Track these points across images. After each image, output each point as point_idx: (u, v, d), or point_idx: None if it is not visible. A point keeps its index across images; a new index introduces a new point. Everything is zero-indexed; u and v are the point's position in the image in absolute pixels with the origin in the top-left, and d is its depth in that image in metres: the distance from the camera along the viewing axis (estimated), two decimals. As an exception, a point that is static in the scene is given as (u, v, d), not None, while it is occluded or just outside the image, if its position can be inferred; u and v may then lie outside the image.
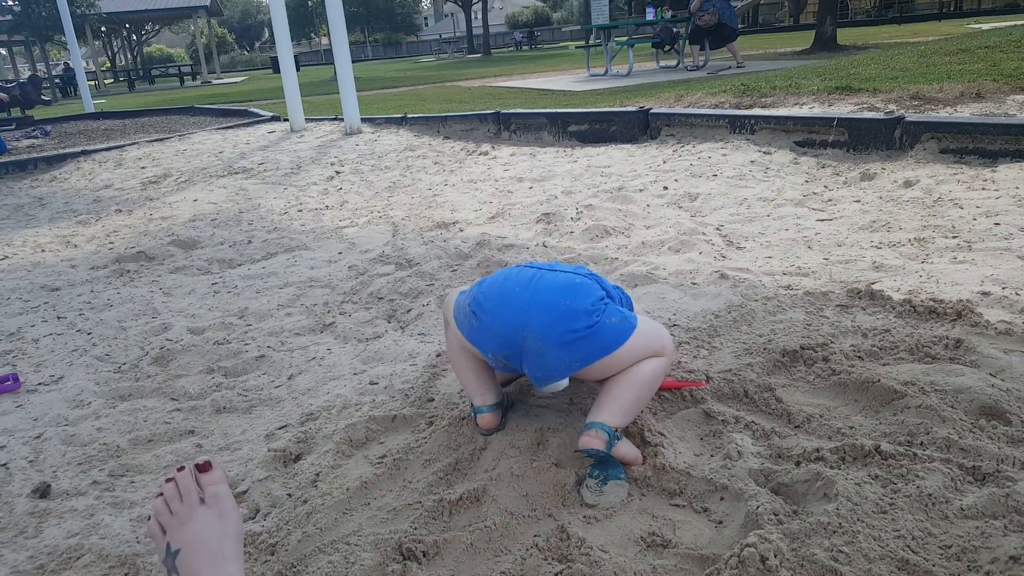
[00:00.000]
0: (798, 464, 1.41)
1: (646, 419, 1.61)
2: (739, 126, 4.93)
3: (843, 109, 4.83)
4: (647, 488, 1.42)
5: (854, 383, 1.70)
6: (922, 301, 2.11)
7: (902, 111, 4.48)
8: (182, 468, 1.11)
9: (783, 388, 1.74)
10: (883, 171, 3.82)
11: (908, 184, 3.53)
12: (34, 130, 11.17)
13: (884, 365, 1.78)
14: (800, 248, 2.84)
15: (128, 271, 3.50)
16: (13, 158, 7.87)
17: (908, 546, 1.15)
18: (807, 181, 3.88)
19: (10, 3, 28.43)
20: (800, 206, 3.43)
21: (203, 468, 1.09)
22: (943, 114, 4.35)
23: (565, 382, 1.59)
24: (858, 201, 3.40)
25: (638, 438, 1.54)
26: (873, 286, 2.30)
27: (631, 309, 1.71)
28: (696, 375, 1.81)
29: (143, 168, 6.88)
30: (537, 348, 1.47)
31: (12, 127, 8.91)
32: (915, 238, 2.78)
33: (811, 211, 3.34)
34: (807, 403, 1.68)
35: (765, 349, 1.92)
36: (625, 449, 1.47)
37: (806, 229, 3.07)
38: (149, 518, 1.11)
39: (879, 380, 1.65)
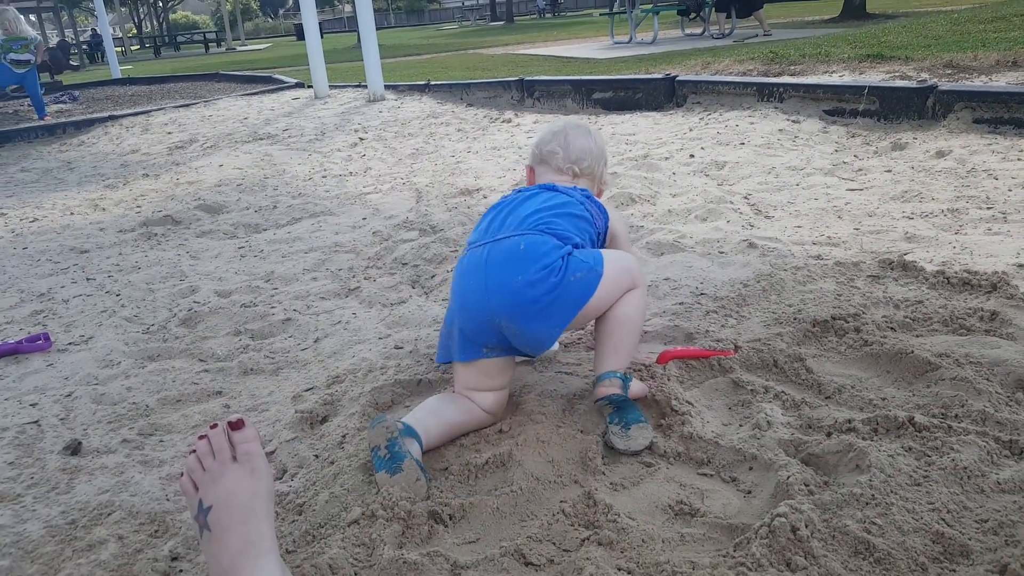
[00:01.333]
0: (829, 435, 1.39)
1: (673, 388, 1.59)
2: (767, 94, 4.83)
3: (874, 78, 4.71)
4: (675, 457, 1.40)
5: (886, 354, 1.67)
6: (956, 272, 2.06)
7: (935, 80, 4.37)
8: (215, 425, 1.11)
9: (813, 358, 1.72)
10: (915, 141, 3.73)
11: (941, 154, 3.44)
12: (63, 95, 11.24)
13: (917, 336, 1.74)
14: (830, 218, 2.79)
15: (155, 235, 3.52)
16: (42, 123, 7.93)
17: (943, 519, 1.13)
18: (837, 150, 3.80)
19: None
20: (830, 175, 3.36)
21: (236, 426, 1.10)
22: (977, 83, 4.24)
23: (557, 345, 1.67)
24: (889, 171, 3.33)
25: (666, 406, 1.53)
26: (905, 257, 2.26)
27: (605, 219, 1.70)
28: (724, 344, 1.79)
29: (169, 133, 6.90)
30: (514, 328, 1.46)
31: (42, 92, 8.99)
32: (948, 209, 2.72)
33: (841, 180, 3.27)
34: (838, 374, 1.65)
35: (795, 319, 1.89)
36: (637, 387, 1.56)
37: (836, 199, 3.01)
38: (182, 475, 1.12)
39: (912, 351, 1.62)
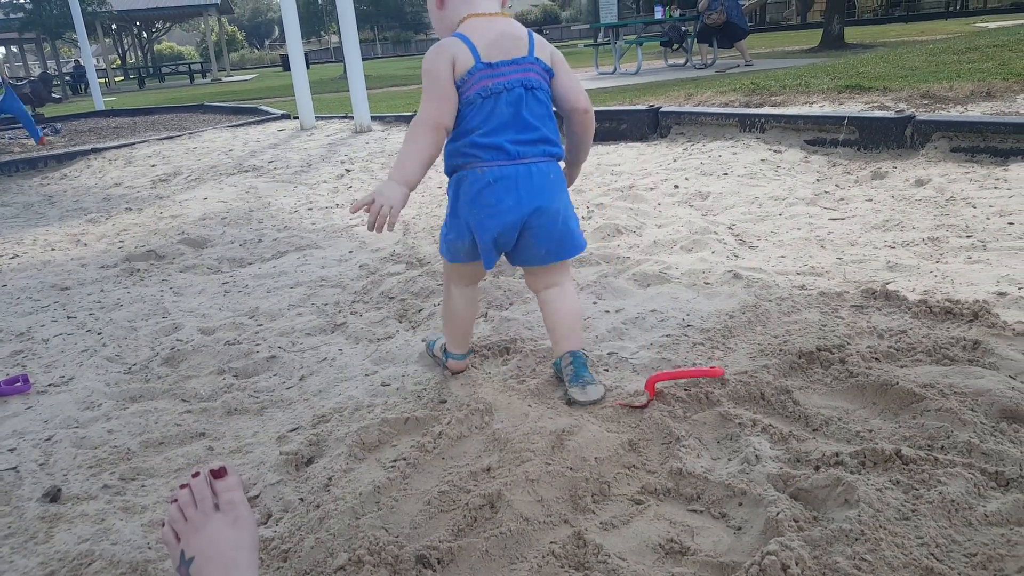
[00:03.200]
0: (817, 469, 1.39)
1: (664, 420, 1.59)
2: (749, 125, 4.90)
3: (853, 108, 4.79)
4: (664, 494, 1.40)
5: (872, 385, 1.68)
6: (938, 302, 2.08)
7: (912, 110, 4.45)
8: (197, 474, 1.10)
9: (800, 390, 1.72)
10: (894, 170, 3.79)
11: (920, 183, 3.49)
12: (45, 127, 11.20)
13: (902, 367, 1.76)
14: (813, 247, 2.81)
15: (138, 270, 3.50)
16: (23, 156, 7.89)
17: (932, 554, 1.13)
18: (818, 180, 3.85)
19: (22, 1, 28.59)
20: (812, 205, 3.40)
21: (218, 474, 1.08)
22: (954, 113, 4.32)
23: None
24: (870, 200, 3.38)
25: (657, 442, 1.53)
26: (888, 286, 2.28)
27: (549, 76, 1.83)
28: (710, 379, 1.79)
29: (153, 166, 6.89)
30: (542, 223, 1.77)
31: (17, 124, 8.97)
32: (929, 237, 2.76)
33: (823, 210, 3.31)
34: (825, 406, 1.66)
35: (781, 350, 1.90)
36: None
37: (819, 228, 3.04)
38: (163, 524, 1.10)
39: (897, 382, 1.63)
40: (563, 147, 1.86)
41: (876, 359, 1.82)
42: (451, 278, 1.96)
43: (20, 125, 9.09)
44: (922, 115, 4.13)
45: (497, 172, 1.71)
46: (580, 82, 1.85)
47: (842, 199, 3.45)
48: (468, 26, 1.74)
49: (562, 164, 1.90)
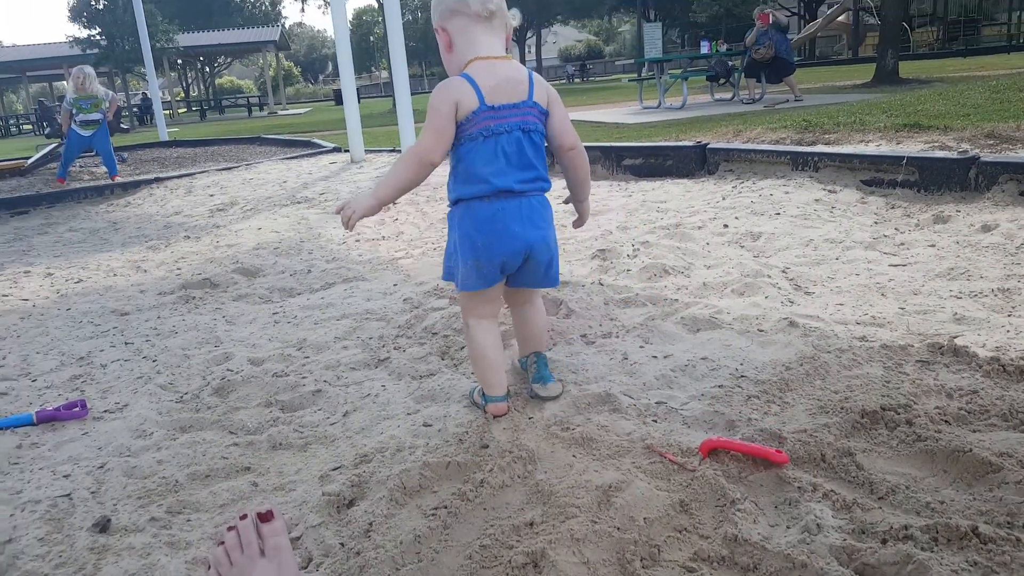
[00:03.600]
0: (884, 542, 1.31)
1: (718, 480, 1.52)
2: (802, 163, 4.80)
3: (912, 147, 4.67)
4: (719, 562, 1.33)
5: (942, 451, 1.58)
6: (1012, 359, 1.97)
7: (976, 150, 4.30)
8: (244, 516, 1.08)
9: (864, 453, 1.63)
10: (958, 214, 3.66)
11: (987, 228, 3.36)
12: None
13: (975, 432, 1.66)
14: (873, 295, 2.71)
15: (193, 298, 3.56)
16: (91, 184, 8.18)
17: (1013, 645, 1.04)
18: (876, 222, 3.74)
19: (97, 38, 30.00)
20: (870, 249, 3.30)
21: (265, 518, 1.07)
22: (1022, 154, 4.16)
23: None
24: (933, 245, 3.26)
25: (710, 503, 1.46)
26: (956, 340, 2.17)
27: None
28: (768, 435, 1.72)
29: (211, 196, 7.07)
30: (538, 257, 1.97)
31: (93, 153, 9.27)
32: (999, 288, 2.63)
33: (883, 255, 3.20)
34: (891, 471, 1.57)
35: (842, 408, 1.81)
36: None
37: (878, 275, 2.94)
38: (208, 567, 1.08)
39: (971, 449, 1.54)
40: (550, 182, 2.01)
41: (946, 421, 1.72)
42: (469, 313, 2.05)
43: (93, 154, 9.40)
44: (987, 156, 4.00)
45: (504, 203, 1.88)
46: (569, 121, 2.01)
47: (902, 244, 3.34)
48: (474, 68, 1.88)
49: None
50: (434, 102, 1.87)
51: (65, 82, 8.60)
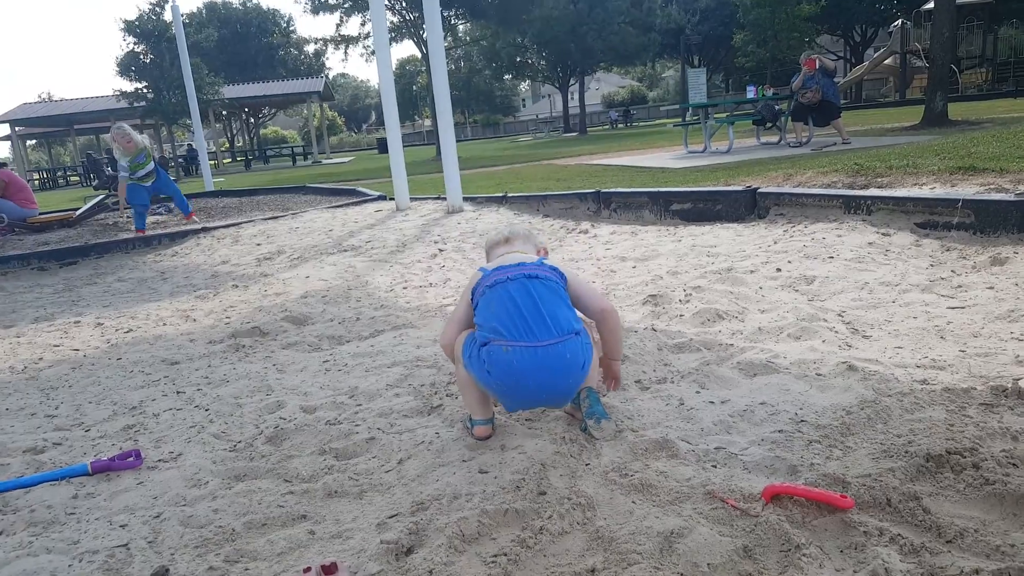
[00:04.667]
0: (959, 590, 1.26)
1: (781, 526, 1.49)
2: (855, 207, 4.75)
3: (967, 190, 4.58)
4: (789, 610, 1.29)
5: (1011, 495, 1.54)
6: (1083, 403, 1.90)
7: (1033, 191, 4.21)
8: (308, 569, 1.09)
9: (930, 497, 1.59)
10: (1015, 256, 3.57)
11: (1047, 270, 3.27)
12: (159, 207, 11.98)
13: (1046, 476, 1.60)
14: (932, 338, 2.65)
15: (243, 346, 3.62)
16: (140, 235, 8.44)
17: None
18: (932, 265, 3.67)
19: (145, 91, 31.23)
20: (927, 292, 3.23)
21: (329, 571, 1.07)
22: (1081, 194, 4.06)
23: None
24: (991, 288, 3.18)
25: (774, 549, 1.43)
26: (1020, 383, 2.11)
27: (560, 275, 2.16)
28: (832, 480, 1.68)
29: (258, 245, 7.23)
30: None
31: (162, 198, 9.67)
32: (1063, 329, 2.55)
33: (940, 298, 3.14)
34: (959, 515, 1.52)
35: (906, 452, 1.76)
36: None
37: (936, 317, 2.87)
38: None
39: (1042, 493, 1.48)
40: (585, 331, 2.11)
41: (1013, 464, 1.67)
42: (460, 351, 2.18)
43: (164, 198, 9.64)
44: (1044, 197, 3.91)
45: (519, 352, 1.98)
46: (593, 285, 2.22)
47: (960, 286, 3.27)
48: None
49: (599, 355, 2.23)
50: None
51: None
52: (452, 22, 33.79)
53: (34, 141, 54.83)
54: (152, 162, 8.63)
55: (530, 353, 1.98)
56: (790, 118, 11.98)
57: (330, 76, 61.35)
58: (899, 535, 1.46)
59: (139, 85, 31.58)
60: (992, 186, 4.51)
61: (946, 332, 2.69)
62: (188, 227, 8.69)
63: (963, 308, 2.95)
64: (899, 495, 1.59)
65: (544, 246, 2.33)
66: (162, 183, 8.84)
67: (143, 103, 31.55)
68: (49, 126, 41.95)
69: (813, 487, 1.65)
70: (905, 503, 1.57)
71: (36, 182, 35.63)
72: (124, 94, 31.68)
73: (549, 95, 70.13)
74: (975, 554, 1.39)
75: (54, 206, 14.86)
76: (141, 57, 31.41)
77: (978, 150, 6.20)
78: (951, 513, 1.54)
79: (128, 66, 31.62)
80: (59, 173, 39.78)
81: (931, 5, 14.20)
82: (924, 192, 4.64)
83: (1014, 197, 3.98)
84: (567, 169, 12.52)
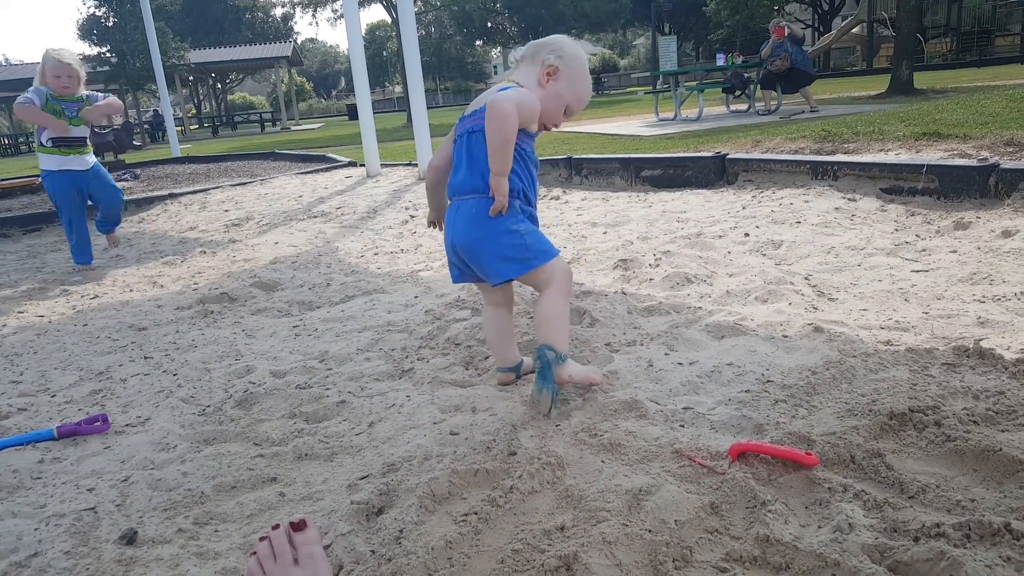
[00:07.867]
0: (917, 540, 1.30)
1: (748, 483, 1.52)
2: (822, 172, 4.80)
3: (932, 156, 4.65)
4: (751, 562, 1.32)
5: (971, 451, 1.58)
6: (1039, 361, 1.96)
7: (996, 158, 4.28)
8: (277, 526, 1.09)
9: (893, 454, 1.63)
10: (978, 220, 3.64)
11: (1007, 234, 3.34)
12: (124, 174, 11.74)
13: (1003, 431, 1.65)
14: (896, 300, 2.70)
15: (212, 312, 3.58)
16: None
17: (1058, 644, 1.03)
18: (897, 230, 3.73)
19: (108, 56, 30.34)
20: (892, 256, 3.28)
21: (298, 527, 1.07)
22: (1042, 160, 4.14)
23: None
24: (954, 251, 3.24)
25: (741, 505, 1.46)
26: (981, 343, 2.16)
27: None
28: (797, 438, 1.71)
29: (226, 211, 7.12)
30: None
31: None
32: (1021, 292, 2.62)
33: (904, 261, 3.19)
34: (921, 471, 1.56)
35: (870, 411, 1.80)
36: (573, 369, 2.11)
37: (901, 280, 2.93)
38: None
39: (1000, 449, 1.53)
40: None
41: (974, 422, 1.71)
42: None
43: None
44: (1007, 163, 3.98)
45: (448, 211, 2.14)
46: (505, 93, 2.00)
47: (924, 250, 3.32)
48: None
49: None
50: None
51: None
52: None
53: (-8, 106, 53.15)
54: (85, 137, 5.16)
55: (451, 210, 2.12)
56: (759, 86, 12.01)
57: (299, 41, 59.94)
58: (863, 491, 1.49)
59: (102, 50, 30.64)
60: (956, 152, 4.58)
61: (910, 295, 2.75)
62: (154, 194, 8.52)
63: (927, 271, 3.01)
64: (863, 452, 1.62)
65: (551, 64, 2.09)
66: (98, 182, 5.22)
67: (107, 68, 30.67)
68: (8, 91, 40.66)
69: (779, 445, 1.69)
70: (869, 460, 1.60)
71: (-3, 148, 34.66)
72: (86, 58, 30.80)
73: (521, 62, 69.06)
74: (936, 509, 1.43)
75: (16, 172, 14.49)
76: (103, 20, 30.44)
77: (943, 117, 6.28)
78: (913, 469, 1.58)
79: (90, 30, 30.67)
80: (20, 139, 38.66)
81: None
82: (889, 158, 4.70)
83: (976, 163, 4.04)
84: (539, 136, 12.42)
